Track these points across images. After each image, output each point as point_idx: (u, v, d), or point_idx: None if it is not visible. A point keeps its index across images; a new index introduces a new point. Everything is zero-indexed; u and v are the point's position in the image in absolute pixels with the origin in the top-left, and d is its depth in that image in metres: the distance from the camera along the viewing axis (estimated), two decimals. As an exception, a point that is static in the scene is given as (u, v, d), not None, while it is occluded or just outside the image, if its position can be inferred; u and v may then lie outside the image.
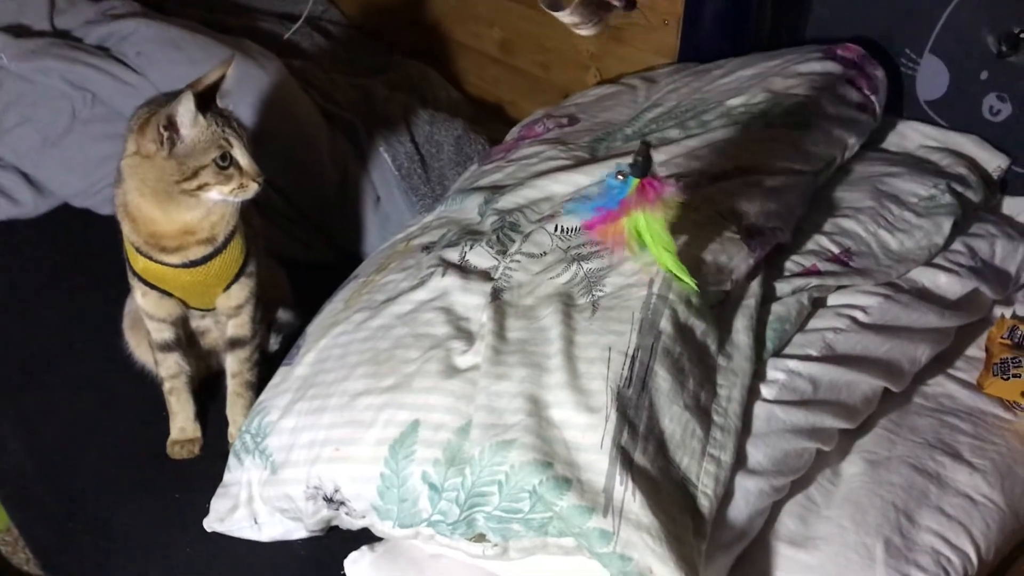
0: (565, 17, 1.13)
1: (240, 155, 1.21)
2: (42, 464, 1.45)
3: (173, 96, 1.19)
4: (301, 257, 1.74)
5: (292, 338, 1.40)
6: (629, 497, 0.97)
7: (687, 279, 1.09)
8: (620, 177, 1.04)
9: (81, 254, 1.71)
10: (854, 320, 1.23)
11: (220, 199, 1.23)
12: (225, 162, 1.20)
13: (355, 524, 1.15)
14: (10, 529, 1.99)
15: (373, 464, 1.09)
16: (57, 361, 1.58)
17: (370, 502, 1.09)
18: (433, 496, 1.05)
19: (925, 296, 1.30)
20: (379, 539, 1.17)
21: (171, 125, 1.19)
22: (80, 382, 1.54)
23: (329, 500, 1.14)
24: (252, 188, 1.22)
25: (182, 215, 1.24)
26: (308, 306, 1.44)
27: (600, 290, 1.13)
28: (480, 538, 1.04)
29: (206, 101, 1.22)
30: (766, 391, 1.13)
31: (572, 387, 1.04)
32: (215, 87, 1.24)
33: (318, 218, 1.82)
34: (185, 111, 1.18)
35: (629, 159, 1.03)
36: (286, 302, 1.55)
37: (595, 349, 1.06)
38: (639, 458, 1.00)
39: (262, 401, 1.28)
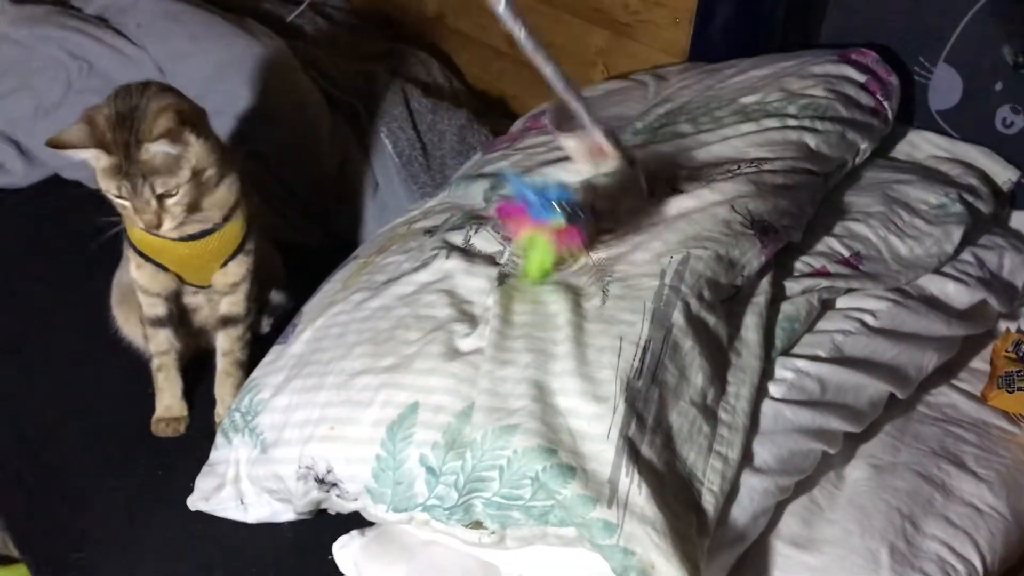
0: (568, 141, 1.14)
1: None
2: (21, 438, 1.41)
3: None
4: (295, 240, 1.71)
5: (284, 320, 1.37)
6: (635, 489, 0.94)
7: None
8: (557, 206, 1.04)
9: (71, 226, 1.67)
10: (863, 323, 1.21)
11: None
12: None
13: (346, 507, 1.11)
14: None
15: (369, 445, 1.06)
16: (41, 334, 1.54)
17: (364, 484, 1.06)
18: (430, 480, 1.02)
19: (933, 304, 1.28)
20: (369, 523, 1.13)
21: None
22: (64, 356, 1.49)
23: (321, 481, 1.10)
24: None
25: None
26: (301, 289, 1.41)
27: (610, 278, 1.10)
28: (477, 525, 1.00)
29: None
30: (774, 389, 1.11)
31: (580, 375, 1.01)
32: None
33: (314, 202, 1.79)
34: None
35: (575, 198, 1.06)
36: (279, 284, 1.51)
37: (605, 338, 1.04)
38: (646, 451, 0.97)
39: (254, 379, 1.24)
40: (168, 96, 1.19)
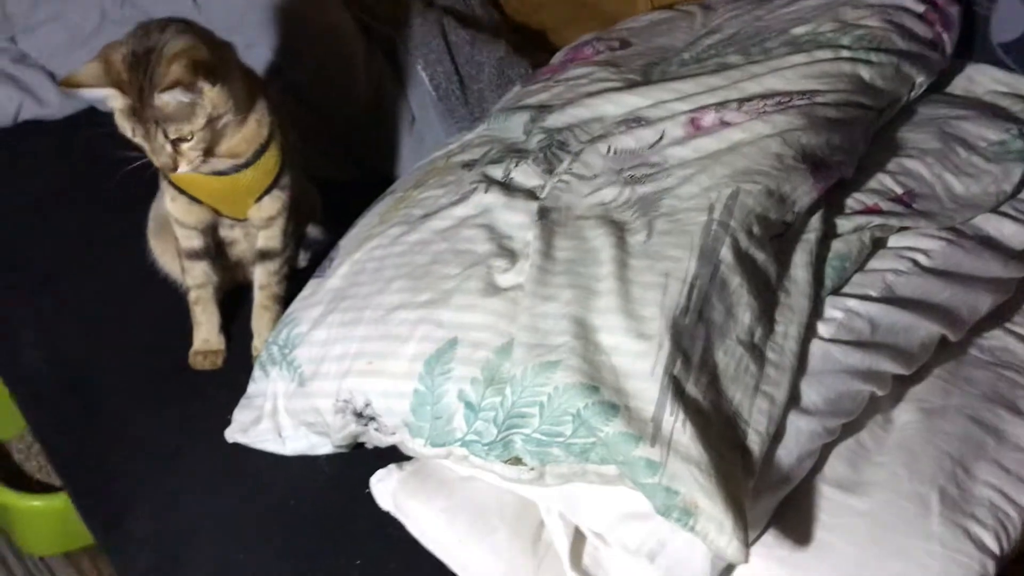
0: None
1: None
2: (61, 370, 1.42)
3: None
4: (330, 176, 1.68)
5: (321, 255, 1.35)
6: (679, 428, 0.92)
7: None
8: None
9: (106, 157, 1.66)
10: (916, 263, 1.17)
11: None
12: None
13: (384, 441, 1.10)
14: (23, 436, 1.98)
15: (407, 380, 1.05)
16: (79, 267, 1.54)
17: (402, 418, 1.05)
18: (469, 415, 1.00)
19: (989, 244, 1.23)
20: (407, 458, 1.13)
21: None
22: (102, 288, 1.49)
23: (359, 415, 1.09)
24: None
25: None
26: (337, 224, 1.39)
27: (656, 214, 1.07)
28: (516, 461, 0.99)
29: None
30: (823, 329, 1.08)
31: (624, 312, 0.99)
32: None
33: (349, 136, 1.76)
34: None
35: None
36: (316, 218, 1.49)
37: (650, 274, 1.01)
38: (691, 389, 0.95)
39: (291, 313, 1.23)
40: (186, 39, 1.15)
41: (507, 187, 1.19)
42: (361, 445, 1.19)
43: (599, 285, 1.02)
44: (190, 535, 1.17)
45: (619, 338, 0.98)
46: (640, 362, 0.96)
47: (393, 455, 1.14)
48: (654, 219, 1.07)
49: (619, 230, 1.07)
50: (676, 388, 0.94)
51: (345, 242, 1.28)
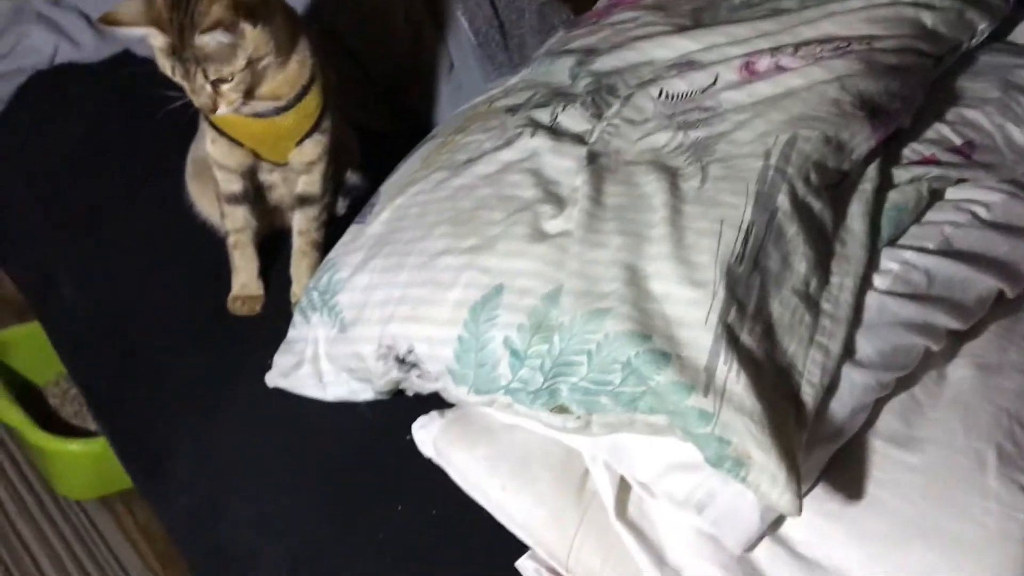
0: None
1: None
2: (100, 314, 1.42)
3: None
4: (367, 124, 1.66)
5: (360, 202, 1.33)
6: (733, 378, 0.90)
7: None
8: None
9: (143, 102, 1.64)
10: (974, 216, 1.14)
11: None
12: None
13: (426, 388, 1.09)
14: (59, 382, 1.99)
15: (451, 326, 1.03)
16: (118, 211, 1.53)
17: (445, 365, 1.03)
18: (514, 363, 0.99)
19: (1051, 198, 1.19)
20: (449, 405, 1.11)
21: None
22: (140, 232, 1.49)
23: (401, 361, 1.08)
24: None
25: None
26: (376, 172, 1.37)
27: (710, 159, 1.04)
28: (561, 410, 0.98)
29: None
30: (879, 281, 1.05)
31: (677, 259, 0.96)
32: None
33: (387, 82, 1.73)
34: None
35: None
36: (354, 164, 1.47)
37: (705, 221, 0.98)
38: (745, 339, 0.93)
39: (331, 258, 1.21)
40: None
41: (554, 131, 1.16)
42: (402, 392, 1.18)
43: (651, 232, 0.99)
44: (229, 479, 1.17)
45: (672, 286, 0.95)
46: (693, 310, 0.93)
47: (434, 402, 1.13)
48: (708, 164, 1.04)
49: (671, 175, 1.04)
50: (730, 337, 0.92)
51: (386, 188, 1.26)
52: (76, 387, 1.40)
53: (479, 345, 1.01)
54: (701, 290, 0.94)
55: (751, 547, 0.94)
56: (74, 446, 1.78)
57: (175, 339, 1.33)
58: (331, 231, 1.34)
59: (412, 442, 1.12)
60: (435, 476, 1.08)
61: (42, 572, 1.73)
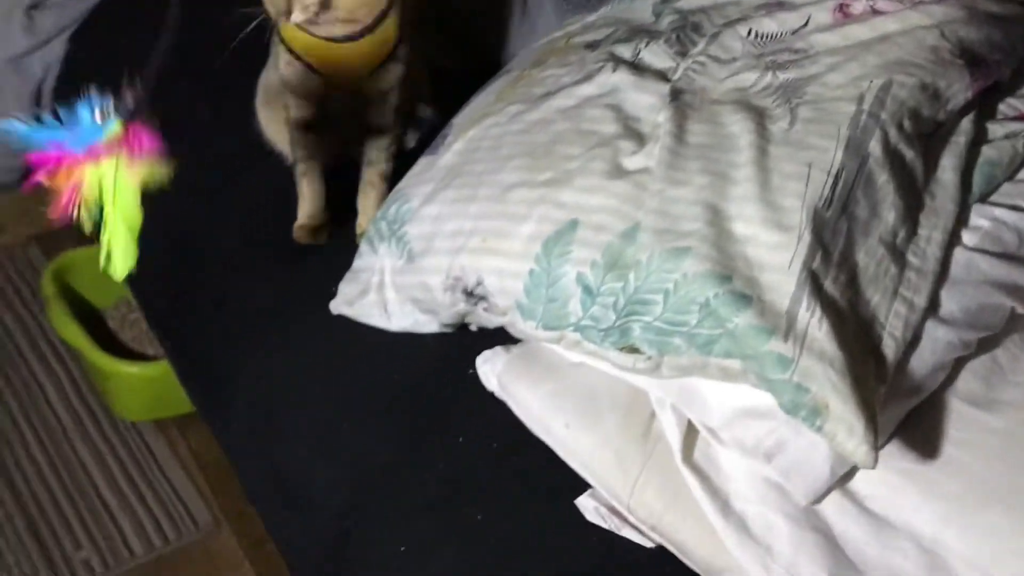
0: None
1: None
2: (166, 236, 1.41)
3: None
4: (438, 60, 1.64)
5: (429, 136, 1.32)
6: (815, 324, 0.88)
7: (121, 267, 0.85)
8: (99, 117, 0.79)
9: (213, 23, 1.63)
10: (1071, 176, 1.09)
11: None
12: None
13: (493, 322, 1.08)
14: (119, 306, 2.02)
15: (523, 260, 1.01)
16: (186, 136, 1.52)
17: (515, 299, 1.02)
18: (586, 299, 0.97)
19: None
20: (513, 342, 1.10)
21: None
22: (207, 156, 1.48)
23: (469, 293, 1.07)
24: None
25: None
26: (446, 107, 1.35)
27: (800, 101, 1.01)
28: (632, 350, 0.96)
29: None
30: (968, 237, 1.02)
31: (762, 201, 0.93)
32: None
33: (457, 19, 1.70)
34: None
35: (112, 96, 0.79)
36: (425, 98, 1.45)
37: (792, 164, 0.95)
38: (829, 286, 0.90)
39: (401, 189, 1.20)
40: None
41: (636, 67, 1.13)
42: (466, 326, 1.17)
43: (736, 172, 0.96)
44: (290, 403, 1.17)
45: (756, 228, 0.93)
46: (777, 254, 0.91)
47: (499, 338, 1.11)
48: (798, 106, 1.01)
49: (759, 116, 1.01)
50: (814, 283, 0.89)
51: (459, 120, 1.24)
52: (140, 309, 1.40)
53: (550, 280, 0.99)
54: (786, 234, 0.91)
55: (819, 499, 0.92)
56: (133, 369, 1.80)
57: (240, 264, 1.33)
58: (399, 164, 1.32)
59: (475, 376, 1.11)
60: (496, 411, 1.08)
61: (97, 490, 1.76)
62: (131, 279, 1.45)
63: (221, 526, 1.75)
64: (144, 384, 1.81)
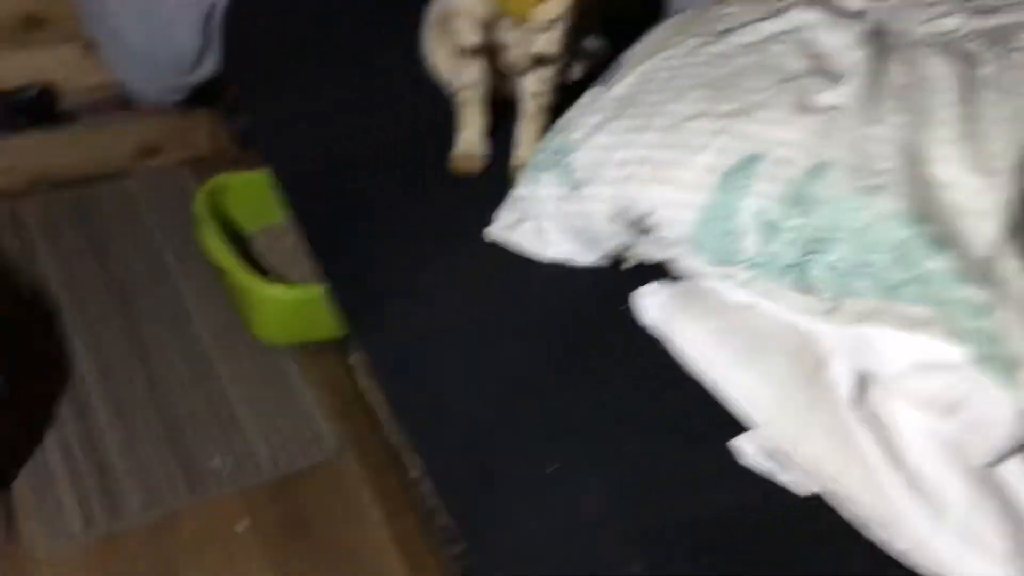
0: None
1: None
2: (329, 157, 1.44)
3: None
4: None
5: (597, 69, 1.30)
6: (1015, 273, 0.82)
7: None
8: None
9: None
10: None
11: None
12: None
13: (656, 255, 1.06)
14: (264, 231, 2.07)
15: (698, 191, 0.99)
16: (351, 60, 1.55)
17: (685, 232, 1.00)
18: (765, 235, 0.94)
19: None
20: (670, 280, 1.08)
21: None
22: (372, 78, 1.50)
23: (636, 224, 1.05)
24: None
25: None
26: (616, 43, 1.32)
27: (1010, 47, 0.95)
28: (808, 291, 0.92)
29: None
30: None
31: (966, 145, 0.89)
32: None
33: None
34: None
35: None
36: (594, 31, 1.43)
37: (1001, 108, 0.90)
38: (1033, 235, 0.85)
39: (568, 118, 1.19)
40: None
41: (828, 5, 1.08)
42: (619, 263, 1.16)
43: (938, 114, 0.91)
44: (442, 326, 1.17)
45: (957, 171, 0.88)
46: (978, 199, 0.86)
47: (652, 276, 1.09)
48: (1008, 52, 0.95)
49: (963, 60, 0.95)
50: (1017, 232, 0.84)
51: (632, 54, 1.21)
52: (298, 225, 1.43)
53: (727, 213, 0.96)
54: (991, 179, 0.86)
55: (999, 460, 0.87)
56: (276, 291, 1.84)
57: (398, 188, 1.34)
58: (563, 97, 1.31)
59: (626, 313, 1.09)
60: (649, 348, 1.06)
61: (232, 407, 1.81)
62: (292, 194, 1.48)
63: (345, 453, 1.78)
64: (284, 307, 1.85)
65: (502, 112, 1.37)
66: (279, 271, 2.01)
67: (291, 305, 1.85)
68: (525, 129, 1.33)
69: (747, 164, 0.96)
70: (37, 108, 2.17)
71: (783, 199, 0.93)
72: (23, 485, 1.63)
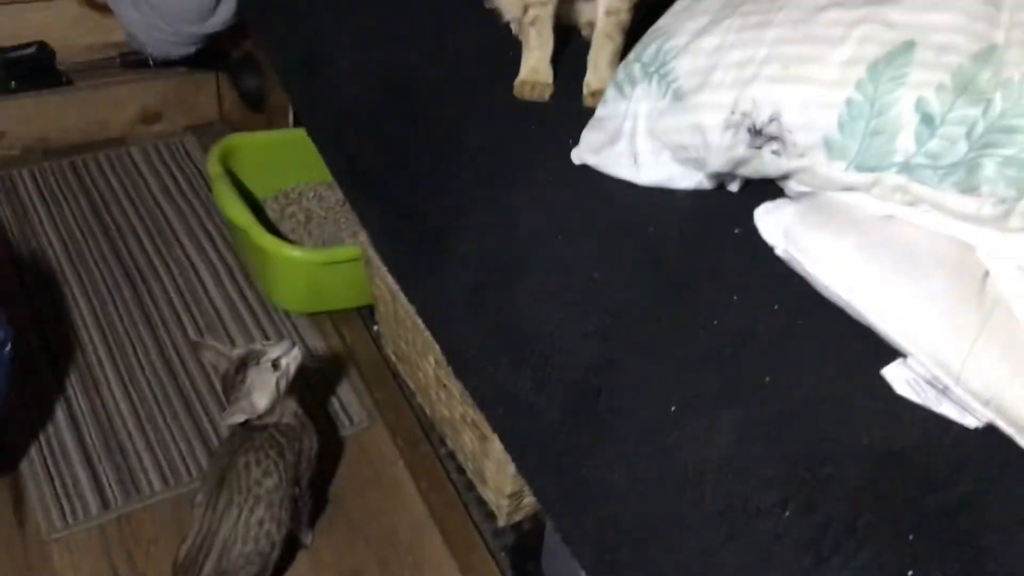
0: None
1: None
2: (382, 85, 1.30)
3: None
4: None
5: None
6: None
7: None
8: None
9: None
10: None
11: None
12: None
13: (780, 167, 0.93)
14: (277, 196, 1.93)
15: (838, 88, 0.86)
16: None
17: (822, 134, 0.87)
18: (924, 131, 0.82)
19: None
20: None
21: None
22: (424, 4, 1.38)
23: (757, 132, 0.92)
24: None
25: None
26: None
27: None
28: (977, 193, 0.80)
29: None
30: None
31: None
32: None
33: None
34: None
35: None
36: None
37: None
38: None
39: (661, 26, 1.06)
40: None
41: None
42: (722, 186, 1.04)
43: None
44: (525, 253, 1.03)
45: None
46: None
47: (763, 198, 0.97)
48: None
49: None
50: None
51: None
52: (346, 161, 1.30)
53: (876, 110, 0.84)
54: None
55: None
56: (295, 252, 1.71)
57: (461, 113, 1.21)
58: (637, 19, 1.19)
59: (741, 236, 0.97)
60: (774, 270, 0.94)
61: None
62: (337, 132, 1.35)
63: (376, 423, 1.65)
64: (304, 270, 1.72)
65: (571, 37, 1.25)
66: (294, 237, 1.87)
67: (310, 267, 1.71)
68: (598, 51, 1.20)
69: (900, 53, 0.84)
70: (35, 65, 2.02)
71: (949, 88, 0.81)
72: (35, 464, 1.49)
